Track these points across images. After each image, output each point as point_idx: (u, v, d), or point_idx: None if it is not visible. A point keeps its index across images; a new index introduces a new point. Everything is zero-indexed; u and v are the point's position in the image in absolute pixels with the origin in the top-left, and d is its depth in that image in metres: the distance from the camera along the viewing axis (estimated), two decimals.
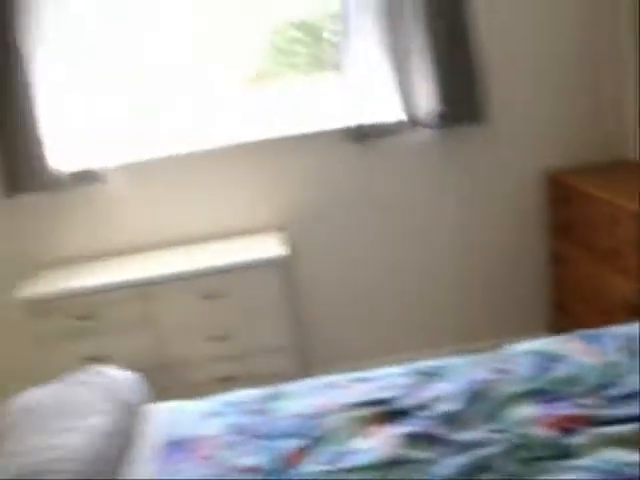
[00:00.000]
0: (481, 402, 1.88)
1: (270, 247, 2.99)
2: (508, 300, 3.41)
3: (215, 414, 2.01)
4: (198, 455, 1.82)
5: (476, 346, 2.82)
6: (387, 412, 1.89)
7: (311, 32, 3.32)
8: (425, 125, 3.06)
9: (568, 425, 1.73)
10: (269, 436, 1.86)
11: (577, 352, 2.06)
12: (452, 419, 1.83)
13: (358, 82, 3.03)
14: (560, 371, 1.97)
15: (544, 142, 3.23)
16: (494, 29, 3.04)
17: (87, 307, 2.85)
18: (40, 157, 2.90)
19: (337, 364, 3.17)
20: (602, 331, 2.15)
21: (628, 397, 1.80)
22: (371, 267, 3.33)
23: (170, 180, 3.15)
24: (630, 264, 2.60)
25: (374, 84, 3.02)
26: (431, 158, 3.21)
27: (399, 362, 2.22)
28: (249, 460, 1.77)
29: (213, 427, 1.94)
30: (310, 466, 1.72)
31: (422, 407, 1.89)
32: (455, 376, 2.02)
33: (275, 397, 2.06)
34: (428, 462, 1.67)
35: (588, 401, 1.82)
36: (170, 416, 2.04)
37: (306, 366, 3.16)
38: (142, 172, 3.12)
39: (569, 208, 3.07)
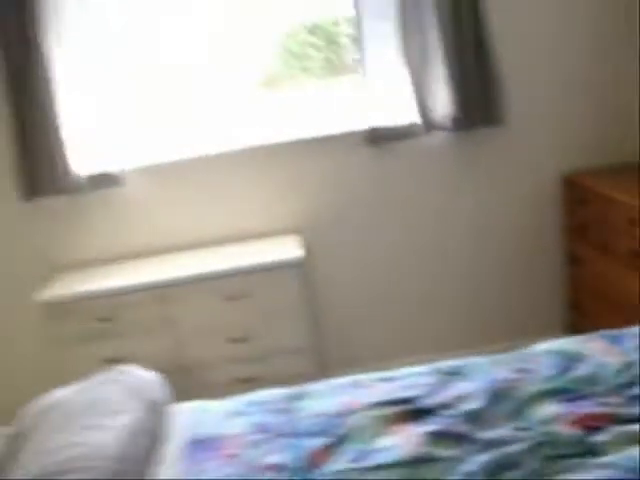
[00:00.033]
0: (504, 401, 1.89)
1: (287, 249, 3.00)
2: (524, 301, 3.42)
3: (239, 413, 2.02)
4: (223, 454, 1.83)
5: (492, 348, 2.83)
6: (411, 411, 1.89)
7: (324, 36, 3.34)
8: (441, 128, 3.07)
9: (591, 423, 1.73)
10: (294, 435, 1.87)
11: (598, 352, 2.06)
12: (476, 417, 1.83)
13: (374, 85, 3.04)
14: (582, 370, 1.97)
15: (560, 144, 3.24)
16: (510, 33, 3.05)
17: (106, 309, 2.86)
18: (60, 159, 2.91)
19: (354, 365, 3.19)
20: (624, 331, 2.16)
21: None
22: (387, 269, 3.34)
23: (188, 183, 3.17)
24: None
25: (390, 87, 3.04)
26: (447, 161, 3.22)
27: (416, 363, 2.23)
28: (274, 458, 1.77)
29: (237, 426, 1.94)
30: (335, 464, 1.73)
31: (445, 406, 1.89)
32: (477, 375, 2.03)
33: (299, 397, 2.07)
34: (453, 460, 1.67)
35: (610, 400, 1.83)
36: (194, 415, 2.05)
37: (323, 367, 3.17)
38: (160, 175, 3.15)
39: (586, 209, 3.08)
